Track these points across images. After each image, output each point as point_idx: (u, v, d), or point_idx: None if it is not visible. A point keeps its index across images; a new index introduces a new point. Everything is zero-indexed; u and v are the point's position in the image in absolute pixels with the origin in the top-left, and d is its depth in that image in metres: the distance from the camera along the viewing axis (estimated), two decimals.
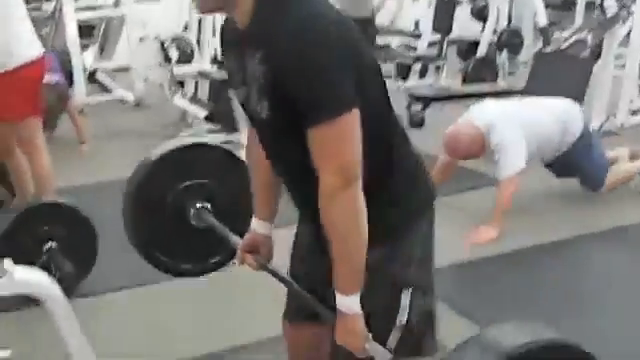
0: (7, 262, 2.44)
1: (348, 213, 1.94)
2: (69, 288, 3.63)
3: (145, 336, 3.32)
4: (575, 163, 5.23)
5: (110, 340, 3.36)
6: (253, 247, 2.47)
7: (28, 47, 4.42)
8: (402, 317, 2.15)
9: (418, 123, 7.31)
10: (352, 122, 1.89)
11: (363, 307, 2.04)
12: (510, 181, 4.87)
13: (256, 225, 2.46)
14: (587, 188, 5.44)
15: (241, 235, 2.56)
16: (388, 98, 2.11)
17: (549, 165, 5.36)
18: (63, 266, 3.76)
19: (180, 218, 2.80)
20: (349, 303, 2.02)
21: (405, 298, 2.15)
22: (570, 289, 4.19)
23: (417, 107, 7.42)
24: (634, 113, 7.44)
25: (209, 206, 2.81)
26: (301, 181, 2.10)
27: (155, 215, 2.81)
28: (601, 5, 7.35)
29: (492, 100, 5.30)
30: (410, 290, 2.16)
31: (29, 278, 2.51)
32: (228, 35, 2.12)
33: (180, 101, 7.08)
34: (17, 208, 4.08)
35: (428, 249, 2.23)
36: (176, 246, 2.87)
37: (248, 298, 3.94)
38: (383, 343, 2.10)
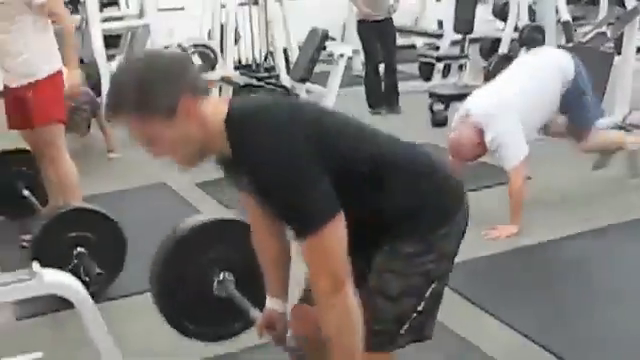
0: (35, 265, 2.54)
1: (341, 313, 2.07)
2: (98, 292, 3.75)
3: (170, 336, 3.38)
4: (565, 104, 5.12)
5: (137, 341, 3.44)
6: (269, 324, 2.59)
7: (57, 57, 4.67)
8: (421, 305, 2.26)
9: (441, 122, 7.37)
10: (333, 231, 2.01)
11: (391, 290, 2.21)
12: (517, 173, 4.90)
13: (270, 303, 2.58)
14: (573, 131, 5.28)
15: (262, 302, 2.66)
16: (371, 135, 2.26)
17: None
18: (92, 270, 3.85)
19: (205, 289, 2.93)
20: None
21: (430, 289, 2.25)
22: (583, 281, 4.24)
23: (439, 106, 7.48)
24: None
25: (231, 276, 2.94)
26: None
27: (181, 286, 2.93)
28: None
29: (483, 89, 5.28)
30: (436, 283, 2.26)
31: (57, 280, 2.61)
32: (222, 159, 2.23)
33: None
34: (47, 215, 4.17)
35: (457, 243, 2.32)
36: (202, 314, 2.99)
37: None
38: (402, 322, 2.25)
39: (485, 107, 4.92)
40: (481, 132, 4.89)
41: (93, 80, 7.25)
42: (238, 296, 2.88)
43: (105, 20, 5.59)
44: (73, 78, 4.74)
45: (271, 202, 2.07)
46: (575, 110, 5.15)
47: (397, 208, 2.19)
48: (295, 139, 2.01)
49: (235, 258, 2.94)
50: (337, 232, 2.02)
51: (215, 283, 2.92)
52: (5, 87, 4.70)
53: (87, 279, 3.79)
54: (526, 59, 5.47)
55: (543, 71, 5.12)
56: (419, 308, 2.26)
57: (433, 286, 2.25)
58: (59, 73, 4.67)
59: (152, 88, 1.96)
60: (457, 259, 2.36)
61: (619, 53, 7.57)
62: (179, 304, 2.96)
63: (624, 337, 3.58)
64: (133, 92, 1.96)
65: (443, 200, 2.26)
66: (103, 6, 5.99)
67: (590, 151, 5.45)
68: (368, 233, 2.20)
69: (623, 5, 7.41)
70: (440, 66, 9.09)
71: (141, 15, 8.42)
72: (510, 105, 4.89)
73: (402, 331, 2.27)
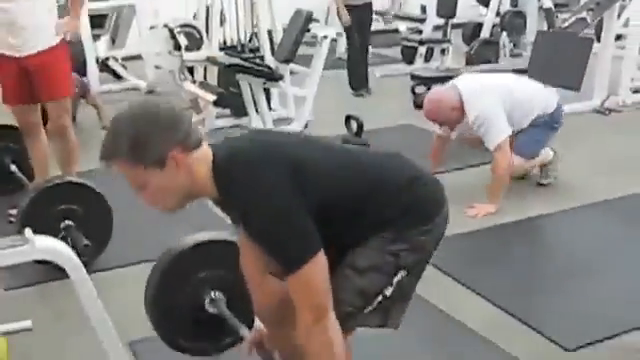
0: (28, 231, 2.62)
1: (323, 343, 2.21)
2: (85, 264, 3.82)
3: None
4: (530, 125, 5.17)
5: (124, 311, 3.51)
6: (258, 342, 2.72)
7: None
8: (388, 290, 2.35)
9: (423, 104, 7.45)
10: (314, 267, 2.14)
11: (359, 261, 2.31)
12: (502, 154, 4.97)
13: (258, 324, 2.75)
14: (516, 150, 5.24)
15: (252, 319, 2.86)
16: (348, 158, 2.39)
17: None
18: (79, 242, 3.91)
19: (197, 307, 3.01)
20: None
21: (399, 276, 2.35)
22: (557, 257, 4.36)
23: (421, 89, 7.57)
24: (635, 91, 7.60)
25: (222, 295, 3.02)
26: None
27: (174, 306, 3.01)
28: None
29: (470, 74, 5.41)
30: (405, 271, 2.35)
31: (49, 245, 2.68)
32: (215, 200, 2.33)
33: (190, 87, 7.24)
34: (35, 189, 4.22)
35: (434, 244, 2.42)
36: (197, 331, 3.07)
37: None
38: (366, 299, 2.34)
39: (471, 85, 5.05)
40: (461, 101, 4.98)
41: (78, 63, 7.26)
42: (229, 315, 2.97)
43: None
44: (69, 25, 4.76)
45: (257, 242, 2.21)
46: (530, 134, 5.19)
47: (378, 222, 2.31)
48: (272, 179, 2.14)
49: (226, 277, 3.02)
50: (318, 268, 2.15)
51: (207, 301, 3.01)
52: (3, 58, 4.63)
53: (75, 251, 3.85)
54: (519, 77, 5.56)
55: (532, 86, 5.29)
56: (386, 292, 2.34)
57: (402, 274, 2.34)
58: (66, 43, 4.74)
59: (145, 140, 2.12)
60: None
61: (598, 39, 7.71)
62: (173, 323, 3.05)
63: (596, 308, 3.70)
64: (127, 142, 2.12)
65: (423, 207, 2.36)
66: None
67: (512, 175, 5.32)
68: (348, 241, 2.34)
69: None
70: (423, 50, 9.17)
71: None
72: (494, 91, 5.00)
73: (366, 310, 2.35)
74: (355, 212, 2.28)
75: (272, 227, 2.12)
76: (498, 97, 4.97)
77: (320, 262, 2.15)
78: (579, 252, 4.42)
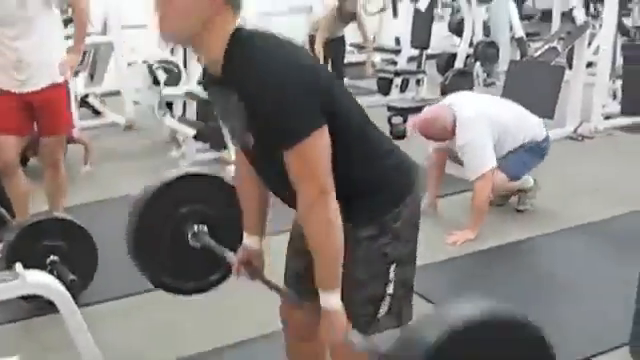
0: (18, 266, 2.68)
1: (324, 220, 2.19)
2: (72, 298, 3.86)
3: (145, 339, 3.51)
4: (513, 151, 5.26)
5: (113, 345, 3.55)
6: (247, 258, 2.72)
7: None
8: (390, 288, 2.41)
9: (400, 135, 7.55)
10: (319, 142, 2.14)
11: (359, 274, 2.35)
12: (482, 186, 5.03)
13: (247, 241, 2.70)
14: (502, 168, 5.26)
15: (235, 250, 2.80)
16: (357, 107, 2.38)
17: None
18: (66, 277, 3.94)
19: (180, 241, 3.02)
20: (330, 299, 2.26)
21: (393, 271, 2.41)
22: (535, 281, 4.44)
23: (398, 119, 7.68)
24: (607, 117, 7.73)
25: (205, 228, 3.03)
26: (291, 194, 2.29)
27: (157, 241, 3.03)
28: (571, 15, 7.63)
29: (468, 95, 5.54)
30: (396, 265, 2.41)
31: (39, 280, 2.75)
32: (209, 78, 2.34)
33: (170, 121, 7.30)
34: (20, 224, 4.25)
35: (412, 230, 2.47)
36: (179, 267, 3.09)
37: (244, 297, 4.15)
38: (376, 305, 2.40)
39: (467, 110, 5.11)
40: (454, 123, 5.07)
41: None
42: (213, 243, 2.97)
43: (68, 37, 5.68)
44: (72, 61, 4.85)
45: (259, 115, 2.14)
46: (519, 156, 5.27)
47: (362, 179, 2.33)
48: (298, 73, 2.13)
49: (208, 211, 3.03)
50: (321, 143, 2.15)
51: (190, 235, 3.01)
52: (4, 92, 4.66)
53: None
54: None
55: (523, 113, 5.39)
56: (389, 291, 2.40)
57: (394, 268, 2.39)
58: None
59: None
60: (419, 262, 2.51)
61: (570, 67, 7.86)
62: (156, 260, 3.05)
63: (577, 330, 3.78)
64: None
65: (398, 180, 2.41)
66: (67, 23, 6.08)
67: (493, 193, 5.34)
68: None
69: (573, 21, 7.69)
70: (398, 81, 9.29)
71: (104, 32, 8.52)
72: (486, 119, 5.08)
73: (379, 315, 2.41)
74: (350, 148, 2.29)
75: (278, 95, 2.09)
76: (489, 127, 5.05)
77: (323, 138, 2.15)
78: (559, 276, 4.51)
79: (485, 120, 5.06)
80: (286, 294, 2.62)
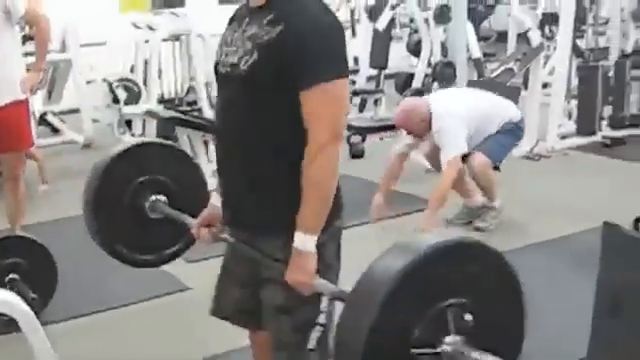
0: None
1: (332, 163, 2.28)
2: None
3: (105, 355, 3.52)
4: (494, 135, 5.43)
5: None
6: (209, 221, 2.68)
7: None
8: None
9: (358, 154, 7.60)
10: (345, 88, 2.27)
11: (321, 257, 2.35)
12: (449, 168, 5.19)
13: (214, 199, 2.67)
14: (481, 149, 5.43)
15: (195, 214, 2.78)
16: None
17: None
18: (26, 295, 3.92)
19: (138, 211, 3.03)
20: (307, 241, 2.30)
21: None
22: None
23: (357, 139, 7.73)
24: (563, 137, 7.85)
25: (164, 198, 3.04)
26: (242, 142, 2.37)
27: (115, 211, 3.04)
28: (526, 36, 7.76)
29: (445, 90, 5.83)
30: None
31: (1, 297, 2.73)
32: (237, 12, 2.47)
33: (129, 140, 7.30)
34: None
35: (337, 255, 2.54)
36: (137, 239, 3.10)
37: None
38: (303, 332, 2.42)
39: (442, 101, 5.39)
40: (430, 115, 5.25)
41: None
42: (171, 211, 2.98)
43: (27, 54, 5.68)
44: (32, 79, 4.85)
45: (294, 44, 2.21)
46: (497, 139, 5.43)
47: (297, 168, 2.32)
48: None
49: (166, 181, 3.05)
50: (347, 90, 2.28)
51: (147, 205, 3.02)
52: None
53: None
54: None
55: (497, 98, 5.68)
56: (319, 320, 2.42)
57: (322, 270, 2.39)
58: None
59: None
60: None
61: (526, 87, 7.97)
62: (111, 227, 3.07)
63: (542, 344, 3.82)
64: None
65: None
66: (25, 40, 6.08)
67: (475, 178, 5.56)
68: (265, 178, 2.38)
69: (529, 43, 7.82)
70: (357, 100, 9.35)
71: (63, 50, 8.49)
72: (461, 109, 5.32)
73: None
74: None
75: (328, 34, 2.25)
76: (464, 116, 5.25)
77: (347, 89, 2.29)
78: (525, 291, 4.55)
79: (461, 110, 5.29)
80: (246, 249, 2.53)
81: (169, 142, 3.27)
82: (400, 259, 1.89)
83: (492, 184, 5.60)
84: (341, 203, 2.47)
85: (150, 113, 7.20)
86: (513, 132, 5.53)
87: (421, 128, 5.33)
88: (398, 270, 1.86)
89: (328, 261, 2.43)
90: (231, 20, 2.50)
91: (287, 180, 2.33)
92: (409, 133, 5.56)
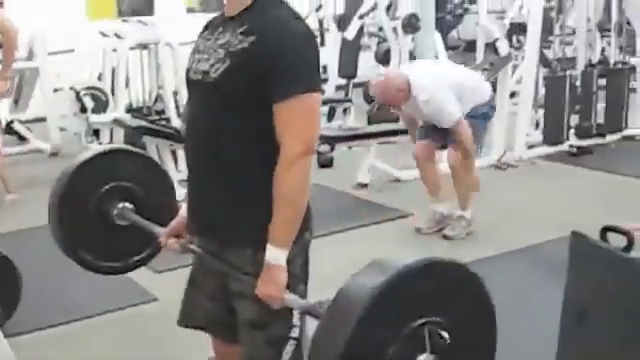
0: None
1: (302, 177, 2.26)
2: None
3: None
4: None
5: None
6: (178, 231, 2.65)
7: None
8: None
9: (327, 163, 7.58)
10: (318, 102, 2.27)
11: (290, 270, 2.32)
12: (462, 126, 5.30)
13: (184, 210, 2.62)
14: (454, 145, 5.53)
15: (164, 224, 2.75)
16: None
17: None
18: None
19: (104, 219, 3.00)
20: (278, 255, 2.27)
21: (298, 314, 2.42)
22: None
23: (325, 148, 7.71)
24: (531, 146, 7.89)
25: (131, 206, 3.01)
26: (213, 156, 2.35)
27: (80, 217, 3.00)
28: (494, 46, 7.80)
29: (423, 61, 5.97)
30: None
31: None
32: (212, 21, 2.47)
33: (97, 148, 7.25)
34: None
35: (305, 269, 2.51)
36: (103, 246, 3.06)
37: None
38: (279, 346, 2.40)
39: (419, 70, 5.48)
40: (408, 84, 5.28)
41: None
42: (138, 219, 2.95)
43: None
44: (2, 87, 4.82)
45: (267, 55, 2.21)
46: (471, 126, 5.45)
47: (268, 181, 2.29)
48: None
49: (135, 189, 3.03)
50: (320, 103, 2.28)
51: (114, 213, 2.99)
52: None
53: None
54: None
55: (471, 72, 5.92)
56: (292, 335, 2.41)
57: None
58: None
59: None
60: None
61: None
62: (77, 234, 3.03)
63: (506, 354, 3.84)
64: None
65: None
66: None
67: (455, 168, 5.56)
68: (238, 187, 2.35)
69: (497, 53, 7.85)
70: (325, 109, 9.34)
71: (30, 58, 8.42)
72: (441, 75, 5.45)
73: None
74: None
75: (302, 47, 2.25)
76: (445, 82, 5.34)
77: (320, 102, 2.29)
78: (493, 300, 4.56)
79: (439, 77, 5.38)
80: (214, 261, 2.49)
81: (138, 149, 3.23)
82: (376, 277, 1.89)
83: (469, 188, 5.65)
84: (310, 216, 2.46)
85: (118, 122, 7.15)
86: (485, 115, 5.58)
87: (399, 98, 5.36)
88: (374, 288, 1.87)
89: (297, 273, 2.40)
90: (205, 28, 2.49)
91: (257, 191, 2.31)
92: (387, 104, 5.60)
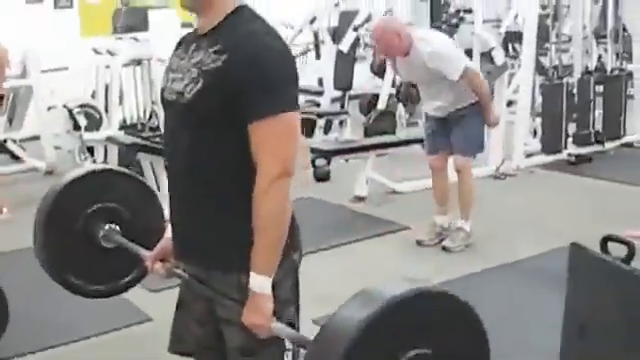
0: None
1: (281, 200, 2.18)
2: None
3: None
4: (464, 123, 5.40)
5: None
6: (163, 254, 2.58)
7: None
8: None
9: (323, 177, 7.53)
10: (296, 120, 2.18)
11: (277, 295, 2.24)
12: (472, 73, 5.28)
13: (169, 232, 2.55)
14: (458, 151, 5.50)
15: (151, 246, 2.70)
16: None
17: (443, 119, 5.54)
18: None
19: (90, 240, 2.94)
20: (262, 283, 2.20)
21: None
22: None
23: (322, 161, 7.65)
24: (529, 155, 7.84)
25: (117, 228, 2.95)
26: (191, 180, 2.28)
27: (66, 238, 2.94)
28: (490, 55, 7.74)
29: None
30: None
31: None
32: (186, 37, 2.40)
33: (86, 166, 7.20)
34: None
35: (295, 289, 2.42)
36: (88, 268, 3.00)
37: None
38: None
39: (423, 32, 5.62)
40: (410, 38, 5.21)
41: None
42: (125, 241, 2.89)
43: None
44: None
45: (240, 74, 2.14)
46: (466, 128, 5.41)
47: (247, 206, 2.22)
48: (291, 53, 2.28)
49: (122, 211, 2.97)
50: (297, 124, 2.18)
51: (100, 234, 2.93)
52: None
53: None
54: None
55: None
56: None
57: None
58: None
59: None
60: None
61: None
62: (63, 256, 2.97)
63: None
64: None
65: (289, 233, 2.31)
66: None
67: (462, 172, 5.54)
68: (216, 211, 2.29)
69: (492, 62, 7.80)
70: (321, 122, 9.29)
71: (24, 75, 8.37)
72: (450, 41, 5.60)
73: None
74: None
75: (278, 65, 2.17)
76: (451, 42, 5.49)
77: (297, 122, 2.20)
78: (488, 314, 4.48)
79: (445, 38, 5.51)
80: (200, 287, 2.42)
81: (126, 170, 3.17)
82: (364, 309, 1.83)
83: (471, 195, 5.60)
84: (297, 235, 2.38)
85: (111, 139, 7.10)
86: (479, 113, 5.45)
87: (395, 45, 5.23)
88: (361, 320, 1.81)
89: (286, 297, 2.34)
90: (178, 45, 2.43)
91: (237, 213, 2.25)
92: (385, 53, 5.55)
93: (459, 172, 5.50)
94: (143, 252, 2.74)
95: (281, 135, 2.15)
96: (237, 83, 2.13)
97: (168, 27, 9.55)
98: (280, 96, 2.15)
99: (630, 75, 8.70)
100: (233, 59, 2.15)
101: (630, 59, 8.94)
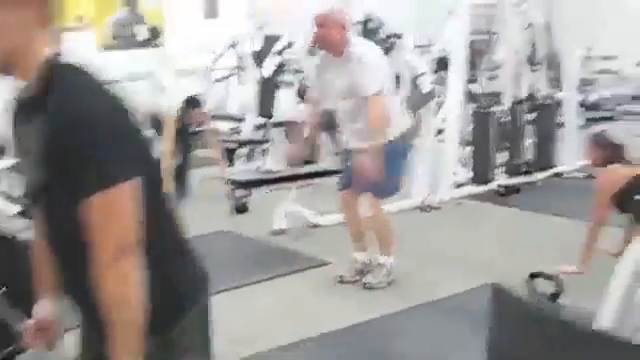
0: None
1: (122, 283, 1.88)
2: None
3: None
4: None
5: None
6: (43, 324, 2.30)
7: None
8: None
9: (242, 209, 7.19)
10: (129, 193, 1.86)
11: None
12: (377, 101, 4.98)
13: (39, 305, 2.29)
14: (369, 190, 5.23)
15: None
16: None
17: None
18: None
19: None
20: None
21: None
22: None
23: (241, 192, 7.29)
24: (459, 185, 7.60)
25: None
26: (71, 260, 2.01)
27: None
28: (415, 82, 7.50)
29: None
30: None
31: None
32: (18, 103, 2.03)
33: None
34: None
35: (206, 335, 2.18)
36: None
37: None
38: None
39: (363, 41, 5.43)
40: (348, 33, 5.11)
41: None
42: (3, 309, 2.65)
43: None
44: None
45: (59, 156, 1.83)
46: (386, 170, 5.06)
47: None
48: (109, 116, 1.88)
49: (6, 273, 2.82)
50: (132, 194, 1.86)
51: None
52: None
53: None
54: None
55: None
56: None
57: None
58: None
59: None
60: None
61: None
62: None
63: None
64: None
65: (181, 288, 2.12)
66: None
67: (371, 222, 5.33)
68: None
69: (417, 88, 7.55)
70: (244, 151, 8.97)
71: None
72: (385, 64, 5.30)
73: None
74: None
75: (95, 131, 1.82)
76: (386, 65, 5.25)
77: (136, 190, 1.86)
78: (411, 353, 4.34)
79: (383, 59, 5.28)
80: None
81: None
82: None
83: (387, 230, 5.34)
84: (164, 315, 2.05)
85: (17, 168, 6.71)
86: (404, 151, 5.32)
87: (334, 38, 5.05)
88: None
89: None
90: (15, 113, 2.05)
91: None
92: (323, 41, 5.18)
93: (369, 208, 5.26)
94: (21, 323, 2.42)
95: (110, 215, 1.85)
96: (60, 158, 1.83)
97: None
98: (106, 169, 1.84)
99: (559, 103, 8.58)
100: (54, 132, 1.84)
101: (559, 86, 8.84)
